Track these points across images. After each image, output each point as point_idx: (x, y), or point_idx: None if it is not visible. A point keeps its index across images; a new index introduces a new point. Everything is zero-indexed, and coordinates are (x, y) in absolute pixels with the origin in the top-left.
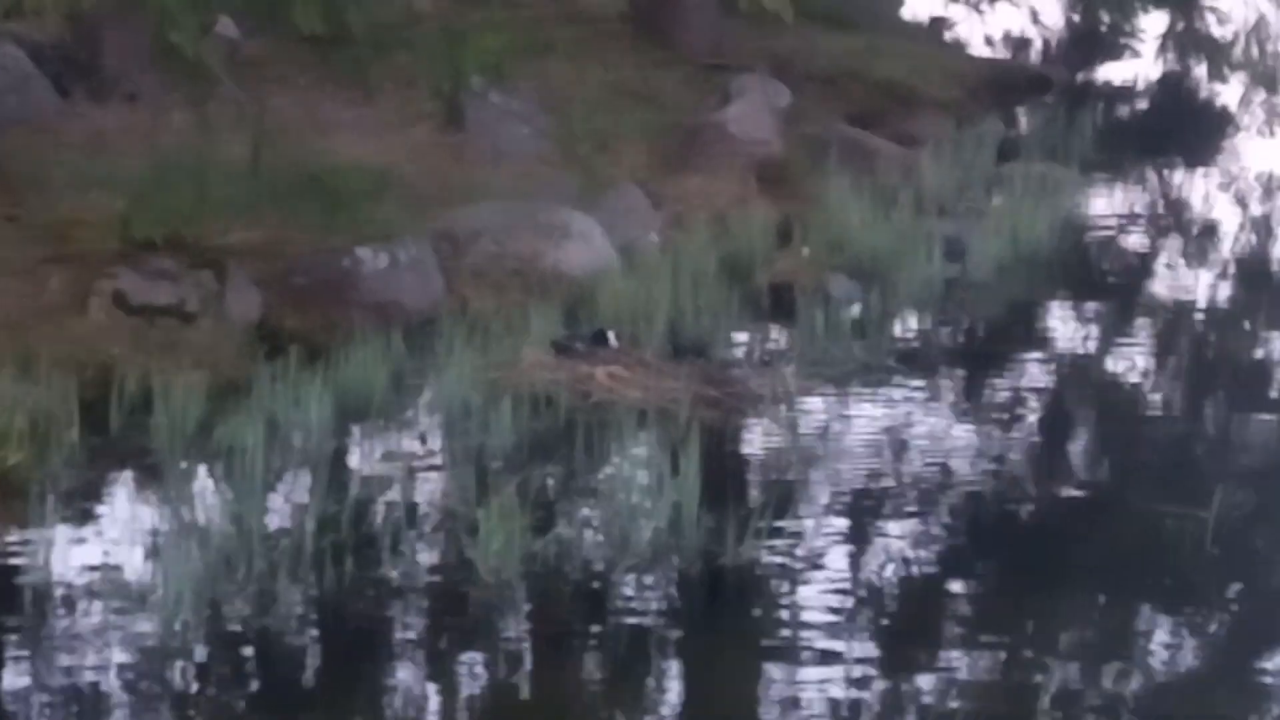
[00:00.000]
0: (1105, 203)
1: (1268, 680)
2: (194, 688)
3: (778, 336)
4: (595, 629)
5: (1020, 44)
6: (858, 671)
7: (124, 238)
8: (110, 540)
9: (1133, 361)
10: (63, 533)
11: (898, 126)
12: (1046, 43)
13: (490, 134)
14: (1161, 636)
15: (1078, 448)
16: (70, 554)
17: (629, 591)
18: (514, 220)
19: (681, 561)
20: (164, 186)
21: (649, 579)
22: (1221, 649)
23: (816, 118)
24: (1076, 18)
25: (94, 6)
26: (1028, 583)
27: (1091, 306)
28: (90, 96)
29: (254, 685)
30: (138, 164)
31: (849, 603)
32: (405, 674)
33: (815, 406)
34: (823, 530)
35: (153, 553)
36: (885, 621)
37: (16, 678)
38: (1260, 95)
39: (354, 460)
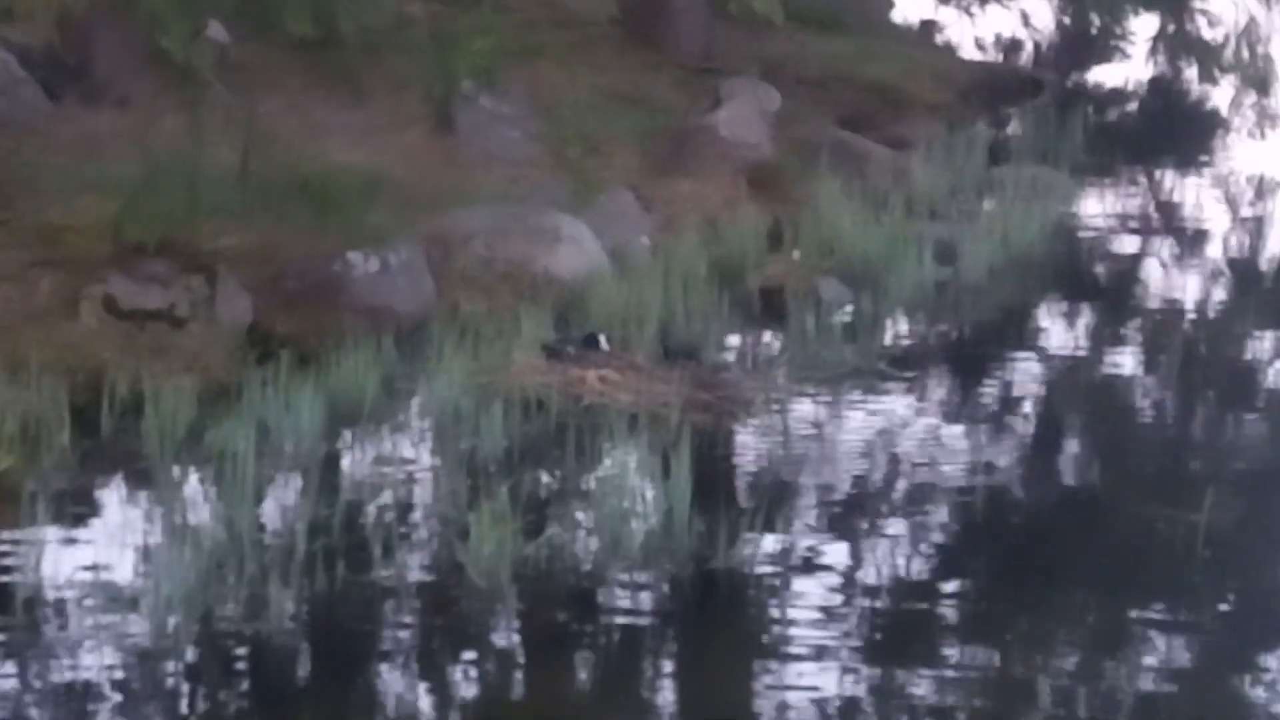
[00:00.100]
0: (1096, 206)
1: (1261, 683)
2: (185, 692)
3: (769, 340)
4: (587, 632)
5: (1011, 47)
6: (849, 674)
7: (114, 242)
8: (101, 545)
9: (1124, 365)
10: (53, 537)
11: (888, 129)
12: (1037, 45)
13: (481, 138)
14: (1154, 640)
15: (1069, 451)
16: (61, 558)
17: (621, 595)
18: (505, 224)
19: (673, 565)
20: (155, 191)
21: (641, 582)
22: (1214, 652)
23: (807, 121)
24: (1067, 20)
25: (84, 10)
26: (1019, 586)
27: (1082, 310)
28: (80, 100)
29: (245, 690)
30: (128, 168)
31: (841, 606)
32: (397, 678)
33: (806, 410)
34: (814, 533)
35: (144, 557)
36: (877, 625)
37: (6, 681)
38: (1251, 97)
39: (345, 465)
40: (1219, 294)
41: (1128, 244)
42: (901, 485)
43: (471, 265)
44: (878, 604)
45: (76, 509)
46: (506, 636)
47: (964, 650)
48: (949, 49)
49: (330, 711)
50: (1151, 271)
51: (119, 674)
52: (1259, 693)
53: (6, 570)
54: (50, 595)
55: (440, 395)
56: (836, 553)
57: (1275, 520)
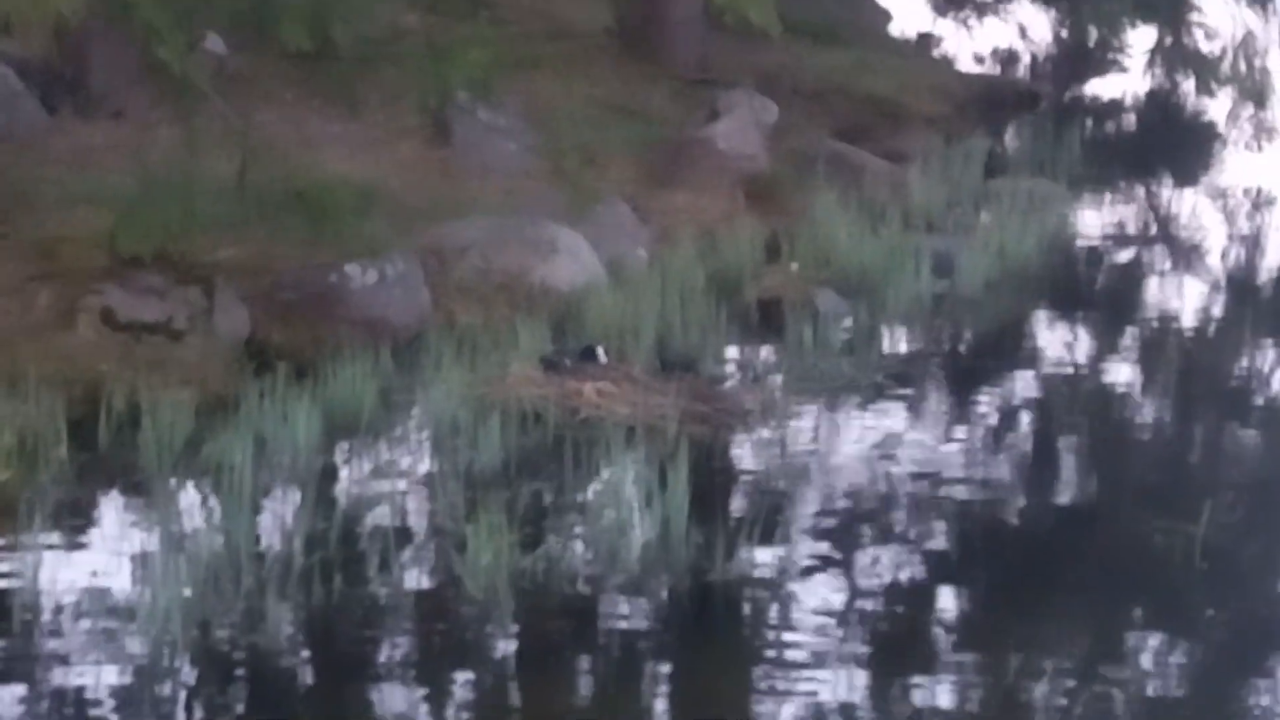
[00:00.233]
0: (1093, 218)
1: (1258, 695)
2: (182, 704)
3: (766, 352)
4: (584, 644)
5: (1008, 59)
6: (845, 686)
7: (112, 254)
8: (99, 557)
9: (1120, 377)
10: (51, 549)
11: (885, 142)
12: (1034, 58)
13: (477, 149)
14: (1151, 652)
15: (1066, 463)
16: (58, 571)
17: (618, 607)
18: (501, 235)
19: (670, 577)
20: (151, 203)
21: (638, 595)
22: (1211, 664)
23: (804, 133)
24: (1064, 33)
25: (81, 23)
26: (1017, 598)
27: (1079, 322)
28: (77, 113)
29: (242, 702)
30: (125, 180)
31: (838, 618)
32: (395, 691)
33: (803, 422)
34: (812, 545)
35: (141, 569)
36: (873, 637)
37: (4, 693)
38: (1248, 110)
39: (342, 477)
40: (1216, 307)
41: (1124, 257)
42: (899, 498)
43: (468, 277)
44: (875, 617)
45: (74, 521)
46: (504, 648)
47: (961, 663)
48: (946, 62)
49: None
50: (1148, 284)
51: (116, 686)
52: (1256, 704)
53: (4, 582)
54: (48, 608)
55: (437, 407)
56: (834, 565)
57: (1272, 532)
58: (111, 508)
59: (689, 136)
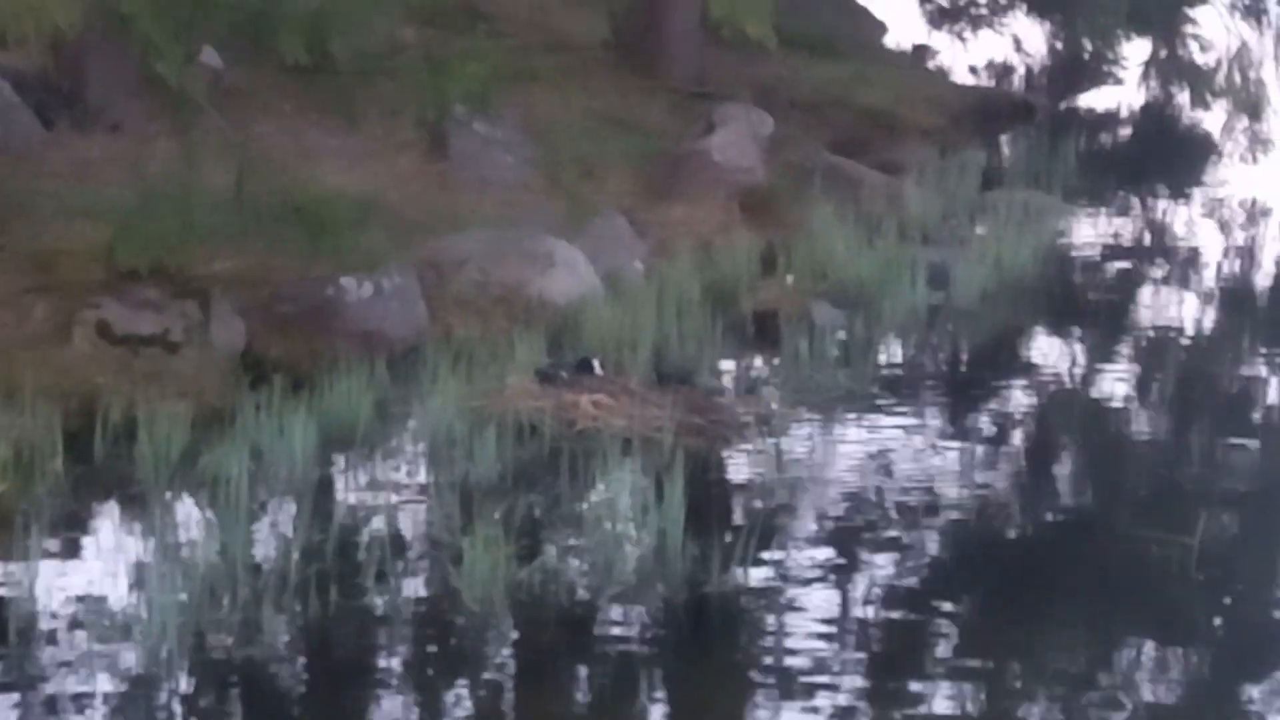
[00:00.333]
0: (1089, 230)
1: (1252, 707)
2: (178, 716)
3: (762, 364)
4: (580, 657)
5: (1003, 71)
6: (843, 700)
7: (108, 267)
8: (95, 569)
9: (1116, 388)
10: (47, 562)
11: (881, 154)
12: (1030, 70)
13: (474, 162)
14: (1147, 663)
15: (1062, 474)
16: (55, 583)
17: (614, 619)
18: (498, 248)
19: (666, 589)
20: (148, 216)
21: (634, 607)
22: (1207, 676)
23: (800, 145)
24: (1059, 45)
25: (78, 36)
26: (1014, 610)
27: (1075, 333)
28: (74, 126)
29: (238, 714)
30: (122, 193)
31: (834, 631)
32: (390, 703)
33: (800, 434)
34: (808, 557)
35: (137, 582)
36: (870, 649)
37: (0, 706)
38: (1242, 122)
39: (338, 489)
40: (1211, 318)
41: (1120, 268)
42: (895, 509)
43: (465, 289)
44: (872, 628)
45: (70, 534)
46: (500, 661)
47: (958, 675)
48: (942, 74)
49: None
50: (1143, 295)
51: (112, 699)
52: (1253, 716)
53: (1, 592)
54: (43, 620)
55: (434, 419)
56: (830, 577)
57: (1268, 543)
58: (108, 520)
59: (686, 149)
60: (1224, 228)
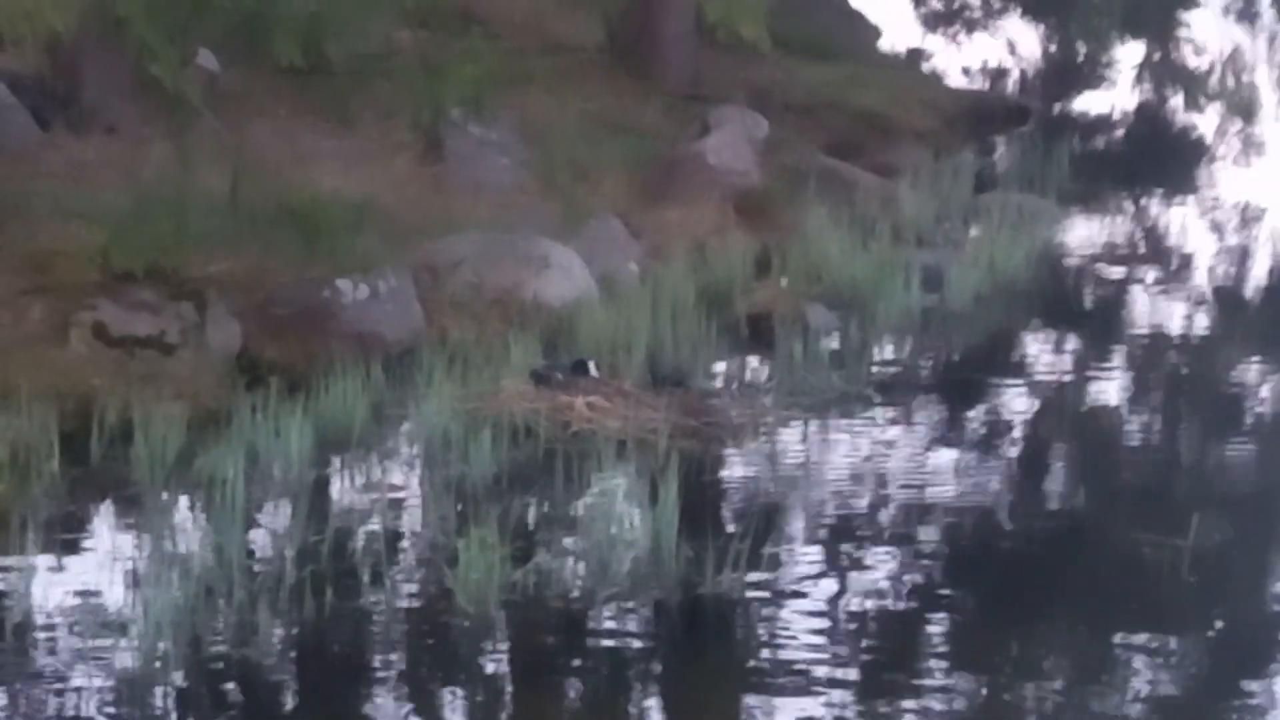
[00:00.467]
0: (1082, 233)
1: (1245, 708)
2: (173, 717)
3: (756, 366)
4: (575, 658)
5: (997, 75)
6: (837, 701)
7: (104, 269)
8: (91, 571)
9: (1109, 391)
10: (43, 563)
11: (876, 157)
12: (1024, 73)
13: (469, 165)
14: (1139, 665)
15: (1055, 476)
16: (51, 584)
17: (608, 621)
18: (494, 251)
19: (661, 591)
20: (144, 218)
21: (628, 608)
22: (1199, 677)
23: (795, 148)
24: (1053, 48)
25: (74, 38)
26: (1006, 611)
27: (1068, 336)
28: (70, 128)
29: (233, 716)
30: (117, 195)
31: (828, 632)
32: (385, 704)
33: (794, 436)
34: (802, 559)
35: (133, 583)
36: (864, 651)
37: None
38: (1236, 125)
39: (334, 490)
40: (1203, 321)
41: (1113, 271)
42: (888, 511)
43: (460, 292)
44: (865, 630)
45: (66, 535)
46: (494, 662)
47: (949, 676)
48: (936, 77)
49: None
50: (1136, 298)
51: (108, 700)
52: (1245, 716)
53: None
54: (39, 621)
55: (429, 421)
56: (824, 579)
57: (1260, 545)
58: (103, 521)
59: (681, 152)
60: (1217, 231)
